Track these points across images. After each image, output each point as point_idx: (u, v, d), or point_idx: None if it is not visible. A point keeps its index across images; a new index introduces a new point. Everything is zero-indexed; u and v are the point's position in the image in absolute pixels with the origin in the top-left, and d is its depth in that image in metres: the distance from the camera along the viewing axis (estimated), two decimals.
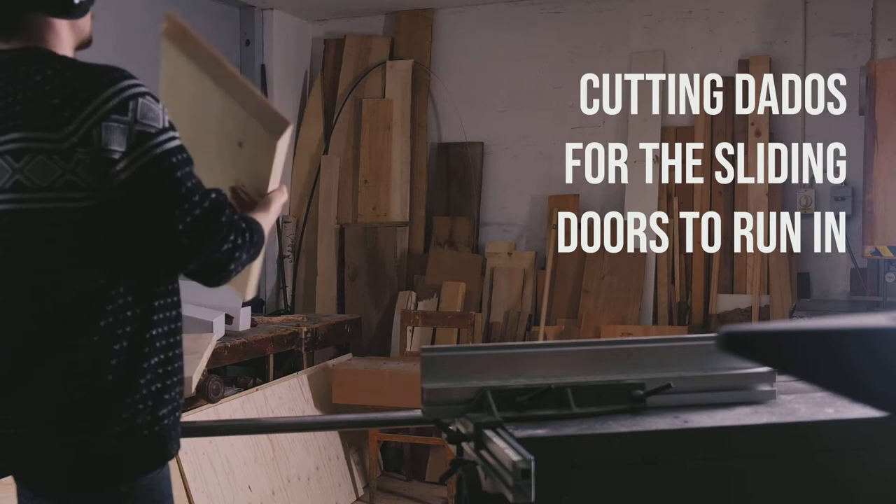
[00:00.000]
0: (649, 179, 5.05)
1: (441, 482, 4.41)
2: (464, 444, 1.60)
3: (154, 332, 1.65)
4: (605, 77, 5.27)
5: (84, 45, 1.78)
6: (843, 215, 4.72)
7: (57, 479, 1.60)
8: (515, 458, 1.35)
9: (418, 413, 1.76)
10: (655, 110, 5.10)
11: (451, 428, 1.66)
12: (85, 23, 1.74)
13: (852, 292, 4.72)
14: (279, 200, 1.90)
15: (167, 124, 1.60)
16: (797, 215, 4.86)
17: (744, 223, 4.88)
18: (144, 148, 1.55)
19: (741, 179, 4.91)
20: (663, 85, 5.11)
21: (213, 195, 1.62)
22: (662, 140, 5.09)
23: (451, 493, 4.37)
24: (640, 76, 5.15)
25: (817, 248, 4.85)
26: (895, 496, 1.55)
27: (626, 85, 5.19)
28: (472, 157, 5.54)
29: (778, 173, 4.86)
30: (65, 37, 1.70)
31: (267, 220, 1.83)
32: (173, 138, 1.60)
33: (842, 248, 4.75)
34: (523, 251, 5.39)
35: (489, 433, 1.51)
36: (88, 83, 1.57)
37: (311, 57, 5.97)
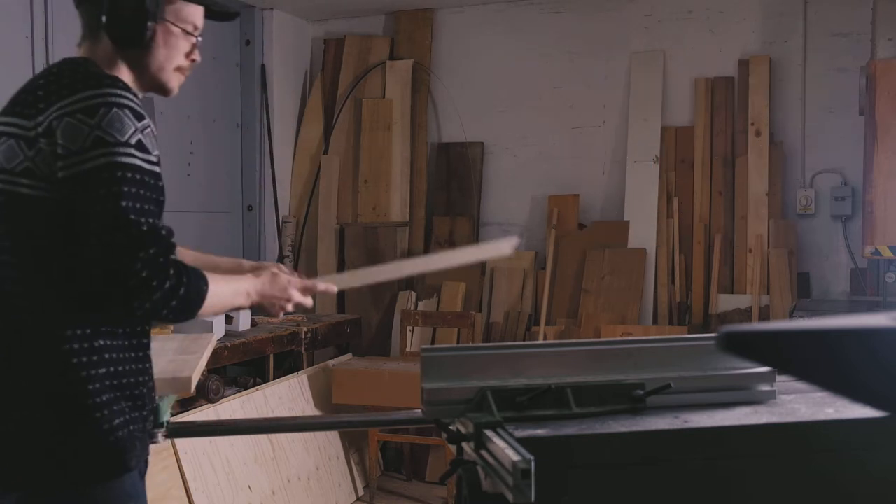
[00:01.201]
0: (649, 179, 5.05)
1: (441, 482, 4.40)
2: (464, 444, 1.60)
3: (103, 343, 1.62)
4: (605, 77, 5.27)
5: (155, 88, 1.77)
6: (843, 215, 4.73)
7: (9, 478, 1.61)
8: (515, 458, 1.35)
9: (418, 413, 1.76)
10: (655, 110, 5.10)
11: (451, 428, 1.66)
12: (152, 61, 1.73)
13: (852, 292, 4.72)
14: (257, 283, 1.80)
15: (133, 141, 1.56)
16: (797, 215, 4.86)
17: (744, 223, 4.89)
18: (96, 153, 1.53)
19: (741, 179, 4.91)
20: (663, 85, 5.11)
21: (146, 227, 1.54)
22: (662, 140, 5.09)
23: (451, 493, 4.37)
24: (640, 76, 5.15)
25: (817, 248, 4.85)
26: (895, 496, 1.55)
27: (626, 85, 5.19)
28: (472, 157, 5.54)
29: (778, 173, 4.86)
30: (121, 66, 1.72)
31: (227, 287, 1.73)
32: (132, 154, 1.56)
33: (842, 248, 4.75)
34: (523, 251, 5.39)
35: (489, 433, 1.51)
36: (75, 82, 1.59)
37: (311, 57, 5.97)
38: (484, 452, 1.51)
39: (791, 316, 4.39)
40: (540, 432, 1.52)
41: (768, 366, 1.61)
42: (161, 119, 4.81)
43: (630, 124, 5.15)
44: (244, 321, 4.35)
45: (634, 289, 4.94)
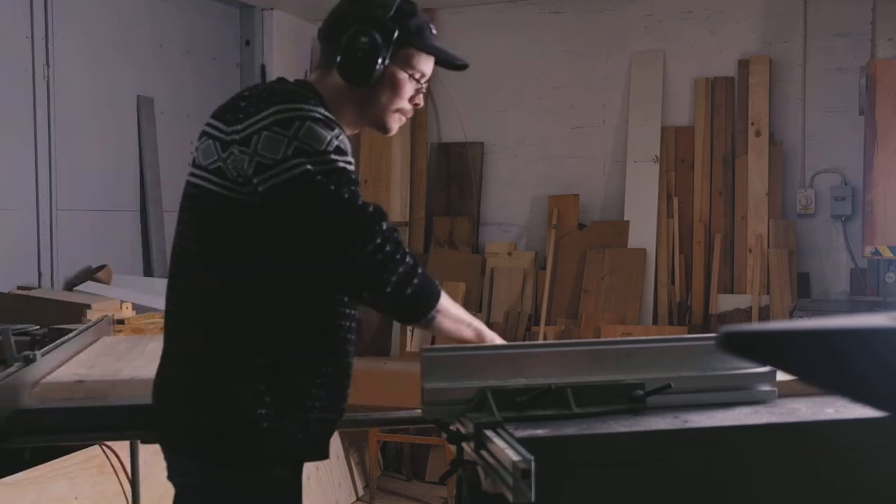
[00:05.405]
0: (649, 179, 5.06)
1: (441, 482, 4.40)
2: (464, 444, 1.59)
3: (268, 342, 1.67)
4: (605, 77, 5.27)
5: (374, 125, 1.85)
6: (843, 215, 4.73)
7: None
8: (515, 458, 1.34)
9: (418, 413, 1.75)
10: (655, 110, 5.11)
11: (451, 428, 1.66)
12: (377, 101, 1.80)
13: (852, 292, 4.73)
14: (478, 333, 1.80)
15: (331, 148, 1.63)
16: (797, 215, 4.87)
17: (744, 223, 4.89)
18: (296, 162, 1.60)
19: (741, 179, 4.91)
20: (663, 85, 5.11)
21: (372, 208, 1.62)
22: (662, 140, 5.09)
23: (451, 493, 4.37)
24: (640, 76, 5.15)
25: (817, 248, 4.85)
26: (895, 496, 1.55)
27: (626, 85, 5.19)
28: (472, 157, 5.54)
29: (778, 173, 4.87)
30: (346, 101, 1.79)
31: (459, 310, 1.75)
32: (333, 161, 1.62)
33: (842, 248, 4.75)
34: (523, 251, 5.39)
35: (489, 433, 1.51)
36: (272, 96, 1.67)
37: (311, 57, 5.97)
38: (484, 452, 1.51)
39: (791, 316, 4.39)
40: (540, 432, 1.52)
41: (768, 366, 1.61)
42: (161, 119, 4.81)
43: (630, 124, 5.15)
44: None
45: (634, 289, 4.94)
